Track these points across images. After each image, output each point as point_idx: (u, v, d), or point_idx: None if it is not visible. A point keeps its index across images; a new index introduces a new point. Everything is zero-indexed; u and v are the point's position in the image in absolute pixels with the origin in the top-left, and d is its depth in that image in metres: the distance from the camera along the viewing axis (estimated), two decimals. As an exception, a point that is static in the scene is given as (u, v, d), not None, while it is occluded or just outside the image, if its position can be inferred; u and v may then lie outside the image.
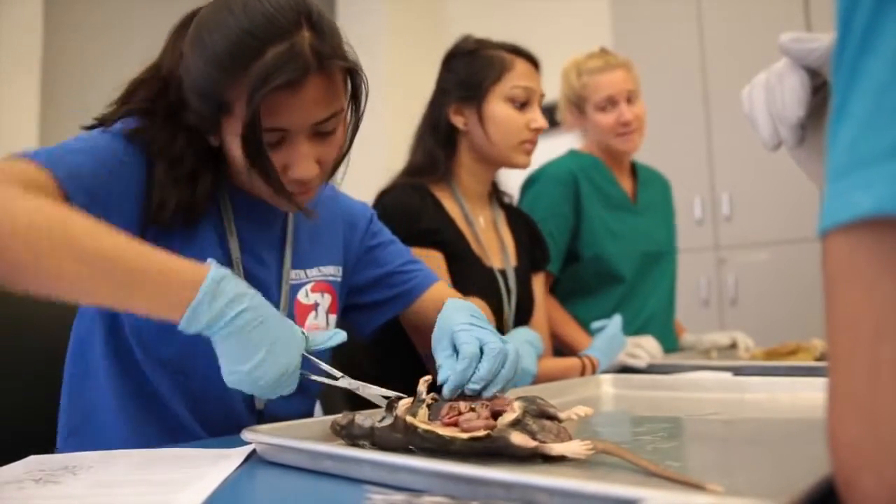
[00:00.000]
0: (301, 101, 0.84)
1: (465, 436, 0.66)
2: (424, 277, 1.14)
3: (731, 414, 0.90)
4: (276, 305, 0.98)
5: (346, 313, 1.16)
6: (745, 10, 2.92)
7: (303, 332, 0.82)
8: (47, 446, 0.94)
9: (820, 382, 0.93)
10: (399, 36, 4.34)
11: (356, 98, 0.93)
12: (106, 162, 0.86)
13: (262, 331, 0.76)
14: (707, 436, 0.79)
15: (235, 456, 0.72)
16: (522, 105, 1.45)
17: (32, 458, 0.76)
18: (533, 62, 1.49)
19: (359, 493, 0.58)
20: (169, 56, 0.93)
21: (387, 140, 3.99)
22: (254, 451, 0.74)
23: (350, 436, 0.73)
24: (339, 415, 0.74)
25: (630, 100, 1.83)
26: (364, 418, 0.72)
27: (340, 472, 0.63)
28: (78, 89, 3.45)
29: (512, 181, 1.67)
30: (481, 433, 0.65)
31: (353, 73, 0.91)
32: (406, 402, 0.73)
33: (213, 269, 0.75)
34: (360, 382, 0.82)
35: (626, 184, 1.93)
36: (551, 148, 1.98)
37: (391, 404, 0.74)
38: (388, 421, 0.71)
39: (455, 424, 0.68)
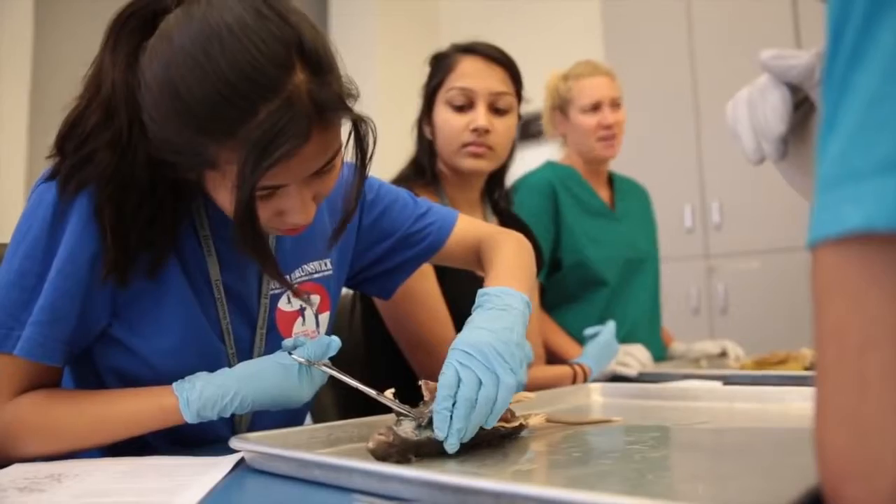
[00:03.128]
0: (300, 159, 0.74)
1: (514, 423, 0.80)
2: (439, 229, 1.09)
3: (721, 423, 0.90)
4: (255, 320, 0.94)
5: (365, 284, 1.12)
6: (735, 20, 2.94)
7: (290, 353, 0.83)
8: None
9: (809, 392, 0.92)
10: (392, 43, 4.35)
11: (362, 149, 0.83)
12: (68, 281, 0.80)
13: (253, 403, 0.82)
14: (696, 445, 0.79)
15: (224, 464, 0.72)
16: (463, 107, 1.40)
17: (17, 465, 0.75)
18: (487, 56, 1.41)
19: (348, 502, 0.58)
20: (110, 71, 0.79)
21: (379, 146, 3.97)
22: (242, 459, 0.73)
23: (400, 452, 0.71)
24: (379, 436, 0.71)
25: (613, 106, 1.86)
26: (408, 432, 0.72)
27: (329, 481, 0.63)
28: (68, 96, 3.44)
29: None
30: (516, 423, 0.80)
31: (356, 124, 0.80)
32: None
33: (180, 403, 0.80)
34: (374, 391, 0.80)
35: (604, 192, 1.95)
36: (533, 157, 1.99)
37: (431, 419, 0.73)
38: (432, 433, 0.72)
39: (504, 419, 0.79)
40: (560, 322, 1.75)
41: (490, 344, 0.76)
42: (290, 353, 0.84)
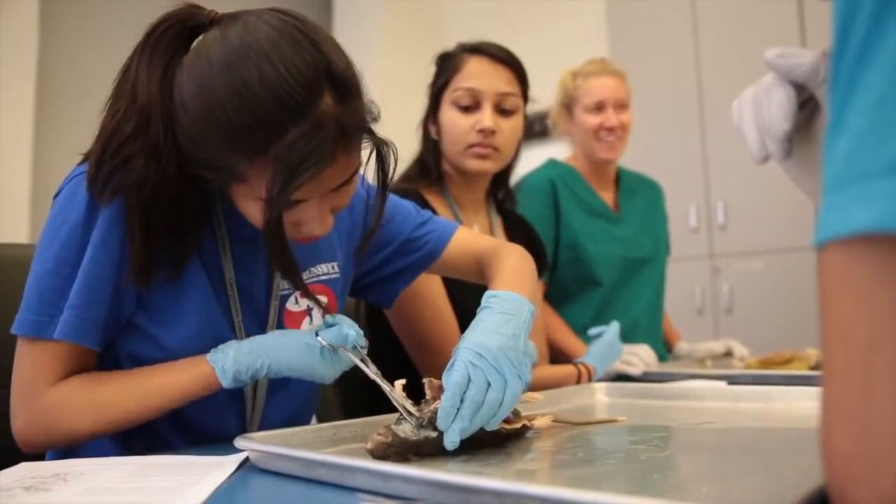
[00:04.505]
0: (322, 178, 0.79)
1: (517, 425, 0.79)
2: (438, 237, 1.11)
3: (726, 423, 0.90)
4: (265, 319, 0.96)
5: (366, 290, 1.14)
6: (741, 19, 2.93)
7: (317, 335, 0.86)
8: (39, 454, 0.93)
9: (814, 392, 0.93)
10: (396, 42, 4.35)
11: (383, 171, 0.88)
12: (104, 270, 0.84)
13: (280, 371, 0.85)
14: (701, 445, 0.78)
15: (228, 464, 0.72)
16: (469, 107, 1.39)
17: (23, 465, 0.75)
18: (493, 57, 1.41)
19: (352, 501, 0.58)
20: (146, 82, 0.81)
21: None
22: (247, 458, 0.74)
23: (399, 453, 0.71)
24: (377, 436, 0.71)
25: (618, 108, 1.84)
26: (407, 432, 0.72)
27: (334, 481, 0.63)
28: (74, 94, 3.45)
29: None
30: (519, 424, 0.79)
31: (379, 147, 0.85)
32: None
33: (217, 371, 0.83)
34: (389, 385, 0.80)
35: (608, 194, 1.94)
36: (538, 157, 1.98)
37: (433, 418, 0.73)
38: (432, 433, 0.73)
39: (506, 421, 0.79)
40: (567, 317, 1.75)
41: (501, 348, 0.77)
42: (316, 335, 0.85)
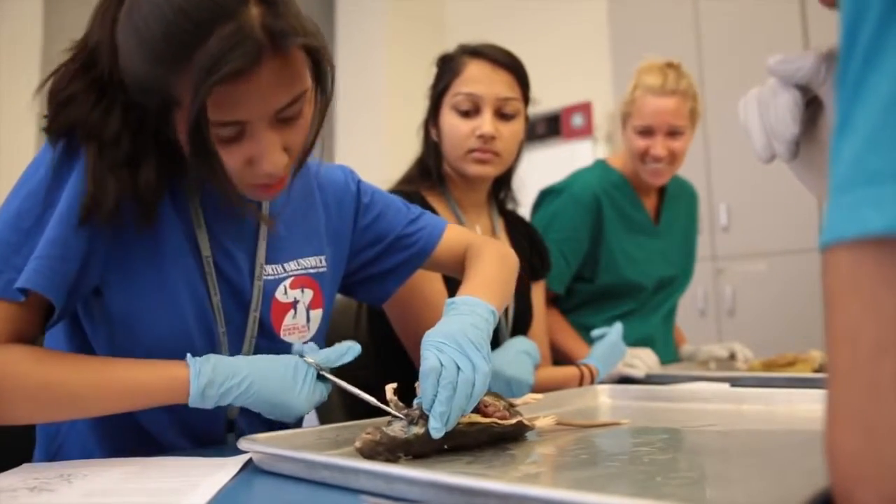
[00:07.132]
0: (256, 88, 0.75)
1: (511, 421, 0.79)
2: (430, 234, 1.11)
3: (729, 425, 0.89)
4: (248, 304, 0.93)
5: (357, 288, 1.13)
6: (743, 20, 2.93)
7: (302, 356, 0.86)
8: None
9: (818, 394, 0.93)
10: (398, 42, 4.35)
11: (321, 80, 0.83)
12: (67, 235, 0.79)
13: (256, 396, 0.82)
14: (704, 447, 0.78)
15: (231, 465, 0.72)
16: (469, 112, 1.38)
17: (27, 465, 0.76)
18: (494, 60, 1.39)
19: (355, 503, 0.58)
20: (98, 25, 0.81)
21: (385, 146, 3.99)
22: (250, 460, 0.74)
23: (389, 450, 0.72)
24: (366, 435, 0.72)
25: (672, 133, 1.72)
26: (396, 430, 0.73)
27: (337, 482, 0.63)
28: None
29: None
30: (513, 421, 0.80)
31: (313, 52, 0.80)
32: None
33: (191, 372, 0.80)
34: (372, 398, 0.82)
35: (652, 201, 1.89)
36: (551, 156, 1.96)
37: (422, 415, 0.74)
38: (421, 429, 0.73)
39: (500, 417, 0.80)
40: (580, 321, 1.75)
41: (462, 332, 0.81)
42: (301, 356, 0.85)
